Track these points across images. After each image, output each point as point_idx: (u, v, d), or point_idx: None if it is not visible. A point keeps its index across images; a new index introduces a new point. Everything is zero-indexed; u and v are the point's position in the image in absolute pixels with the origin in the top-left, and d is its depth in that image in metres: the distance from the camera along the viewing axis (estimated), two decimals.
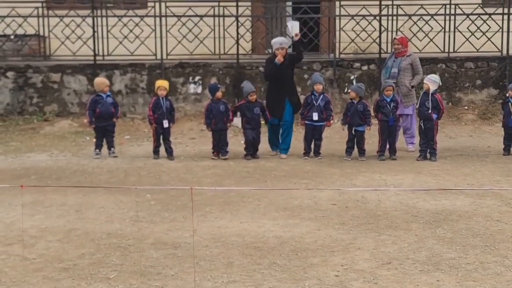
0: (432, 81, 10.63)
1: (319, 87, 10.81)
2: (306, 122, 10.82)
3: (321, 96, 10.82)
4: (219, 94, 10.85)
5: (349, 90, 11.34)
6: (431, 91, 10.52)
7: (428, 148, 10.56)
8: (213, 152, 10.90)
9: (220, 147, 10.83)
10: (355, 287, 5.50)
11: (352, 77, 14.21)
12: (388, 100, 10.71)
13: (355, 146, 10.75)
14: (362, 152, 10.69)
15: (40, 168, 10.20)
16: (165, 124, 10.76)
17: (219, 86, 11.27)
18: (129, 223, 7.34)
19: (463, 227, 7.13)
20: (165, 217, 7.56)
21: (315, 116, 10.71)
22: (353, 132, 10.62)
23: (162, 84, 11.00)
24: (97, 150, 10.97)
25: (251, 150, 10.81)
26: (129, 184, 9.14)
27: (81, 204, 8.17)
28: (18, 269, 5.94)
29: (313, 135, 10.81)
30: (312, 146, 10.87)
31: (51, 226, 7.23)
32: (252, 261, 6.12)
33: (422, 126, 10.60)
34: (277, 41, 11.06)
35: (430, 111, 10.46)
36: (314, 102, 10.77)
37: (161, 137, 10.85)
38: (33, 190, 8.64)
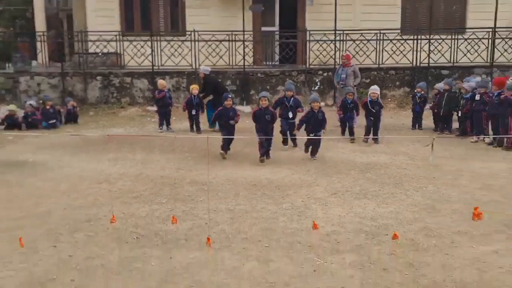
0: (378, 90, 9.74)
1: (289, 94, 8.84)
2: (282, 119, 8.78)
3: (292, 99, 8.81)
4: (228, 102, 8.49)
5: (310, 102, 8.28)
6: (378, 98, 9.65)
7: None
8: (222, 150, 8.26)
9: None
10: (314, 208, 5.68)
11: (317, 80, 14.28)
12: (349, 101, 9.61)
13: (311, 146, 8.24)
14: (315, 152, 8.21)
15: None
16: (193, 112, 10.85)
17: (230, 96, 8.60)
18: (175, 170, 7.49)
19: (383, 172, 7.28)
20: (198, 167, 7.68)
21: (290, 115, 8.77)
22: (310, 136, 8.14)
23: (195, 86, 11.13)
24: (161, 127, 11.13)
25: (264, 153, 8.03)
26: (176, 146, 9.21)
27: (145, 159, 8.32)
28: (105, 197, 6.15)
29: (289, 129, 8.86)
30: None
31: (126, 172, 7.40)
32: (251, 193, 6.28)
33: (371, 123, 9.49)
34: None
35: (380, 113, 9.65)
36: (287, 103, 8.80)
37: (194, 120, 11.00)
38: (115, 151, 8.81)
